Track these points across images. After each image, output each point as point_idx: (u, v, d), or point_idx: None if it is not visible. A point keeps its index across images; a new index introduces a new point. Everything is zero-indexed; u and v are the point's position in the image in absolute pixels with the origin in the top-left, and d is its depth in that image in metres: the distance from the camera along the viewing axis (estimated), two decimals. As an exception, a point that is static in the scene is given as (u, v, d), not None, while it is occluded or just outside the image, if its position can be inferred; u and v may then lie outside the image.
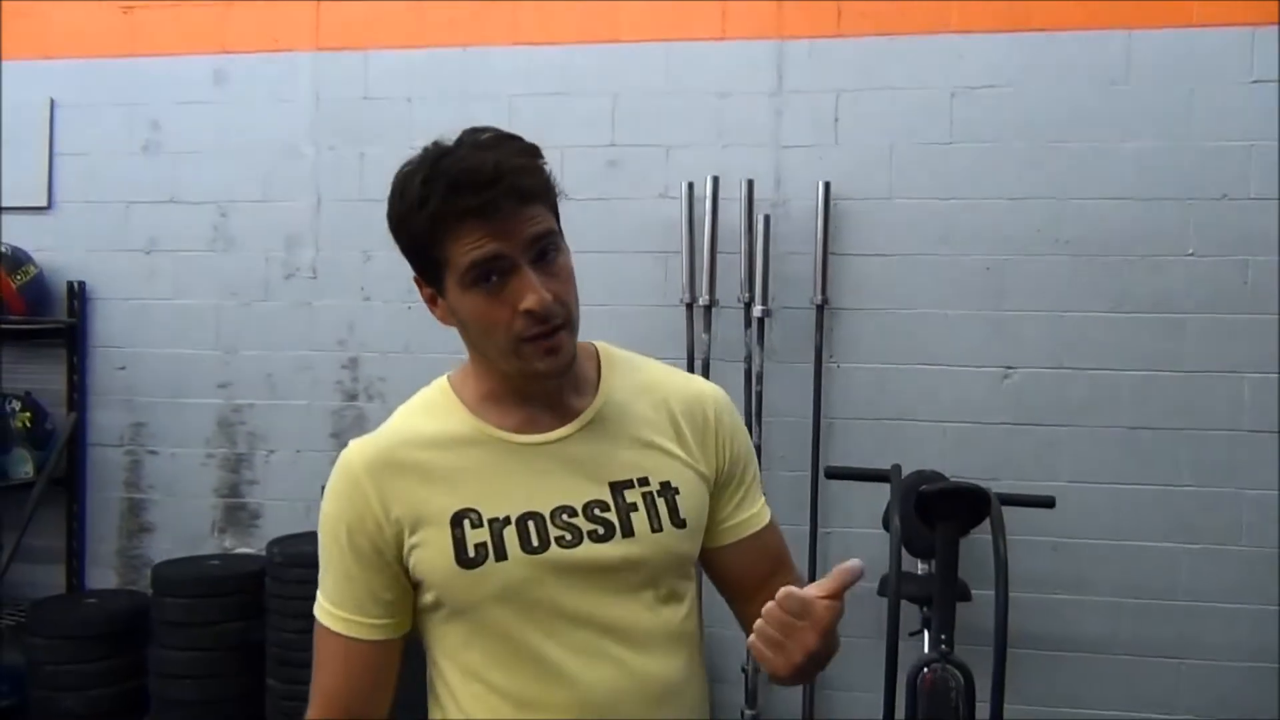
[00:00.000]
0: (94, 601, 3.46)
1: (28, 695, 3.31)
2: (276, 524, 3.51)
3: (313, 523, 3.64)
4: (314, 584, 2.98)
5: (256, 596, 3.21)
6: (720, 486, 1.34)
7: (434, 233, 1.16)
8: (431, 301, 1.25)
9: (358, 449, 1.26)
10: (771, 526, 1.40)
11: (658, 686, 1.25)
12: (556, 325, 1.18)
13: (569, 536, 1.22)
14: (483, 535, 1.21)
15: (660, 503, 1.26)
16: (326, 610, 1.25)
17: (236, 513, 3.60)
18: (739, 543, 1.36)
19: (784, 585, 1.26)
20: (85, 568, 3.68)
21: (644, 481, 1.27)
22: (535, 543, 1.21)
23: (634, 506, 1.25)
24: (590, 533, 1.23)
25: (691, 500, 1.29)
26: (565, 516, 1.23)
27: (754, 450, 1.42)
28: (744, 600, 1.38)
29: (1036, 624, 3.14)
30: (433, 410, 1.29)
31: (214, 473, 3.61)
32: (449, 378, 1.32)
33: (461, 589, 1.21)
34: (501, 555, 1.20)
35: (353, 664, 1.24)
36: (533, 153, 1.19)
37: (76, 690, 3.22)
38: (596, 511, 1.24)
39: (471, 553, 1.20)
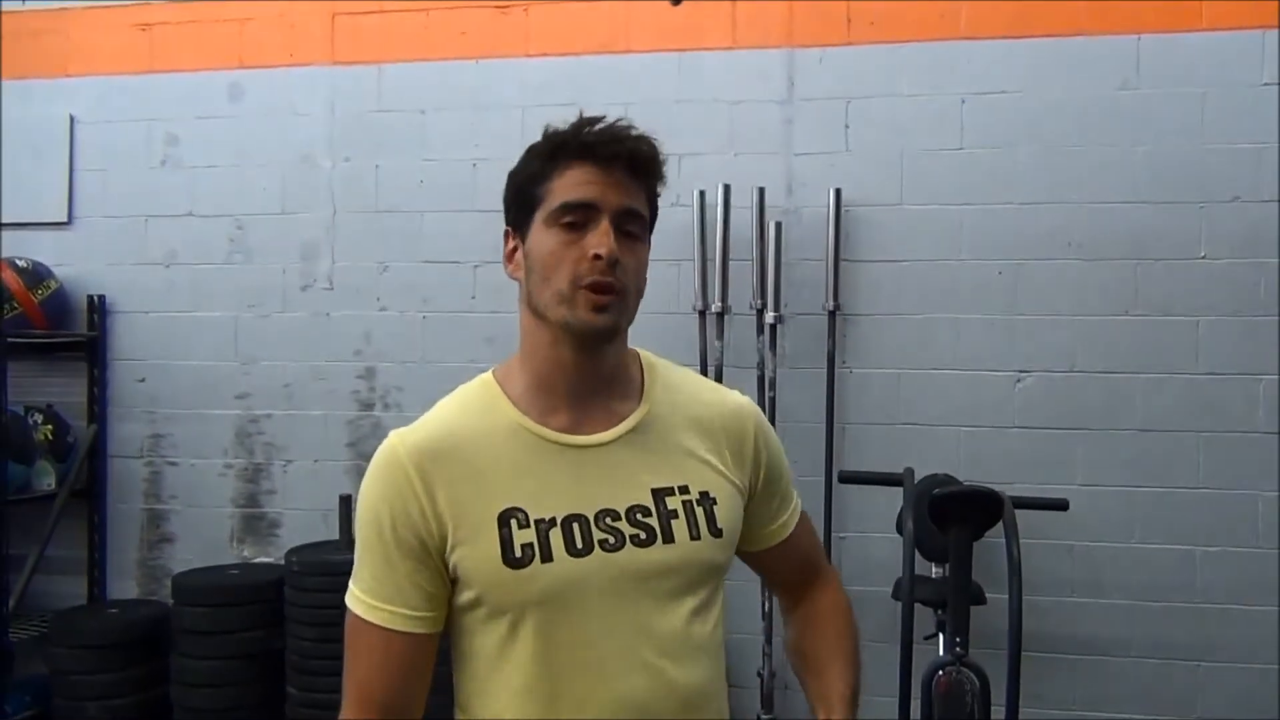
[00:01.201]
0: (115, 611, 3.49)
1: (51, 705, 3.34)
2: (295, 533, 3.54)
3: (330, 531, 3.67)
4: (332, 592, 2.97)
5: (276, 605, 3.23)
6: (756, 499, 1.38)
7: (548, 164, 1.25)
8: (509, 258, 1.31)
9: (402, 439, 1.26)
10: (803, 524, 1.46)
11: (687, 695, 1.26)
12: (614, 286, 1.21)
13: (612, 540, 1.23)
14: (529, 536, 1.21)
15: (699, 511, 1.28)
16: (364, 602, 1.24)
17: (255, 522, 3.63)
18: (776, 546, 1.43)
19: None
20: (106, 578, 3.72)
21: (684, 489, 1.28)
22: (580, 545, 1.22)
23: (674, 513, 1.26)
24: (633, 537, 1.24)
25: (728, 511, 1.31)
26: (609, 520, 1.24)
27: (785, 457, 1.44)
28: (784, 593, 1.52)
29: (1051, 626, 3.14)
30: (478, 405, 1.29)
31: (232, 483, 3.64)
32: (493, 372, 1.33)
33: (506, 589, 1.21)
34: (547, 557, 1.21)
35: (392, 657, 1.23)
36: (658, 157, 1.28)
37: (99, 699, 3.25)
38: (639, 517, 1.25)
39: (518, 553, 1.21)
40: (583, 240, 1.21)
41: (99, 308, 3.67)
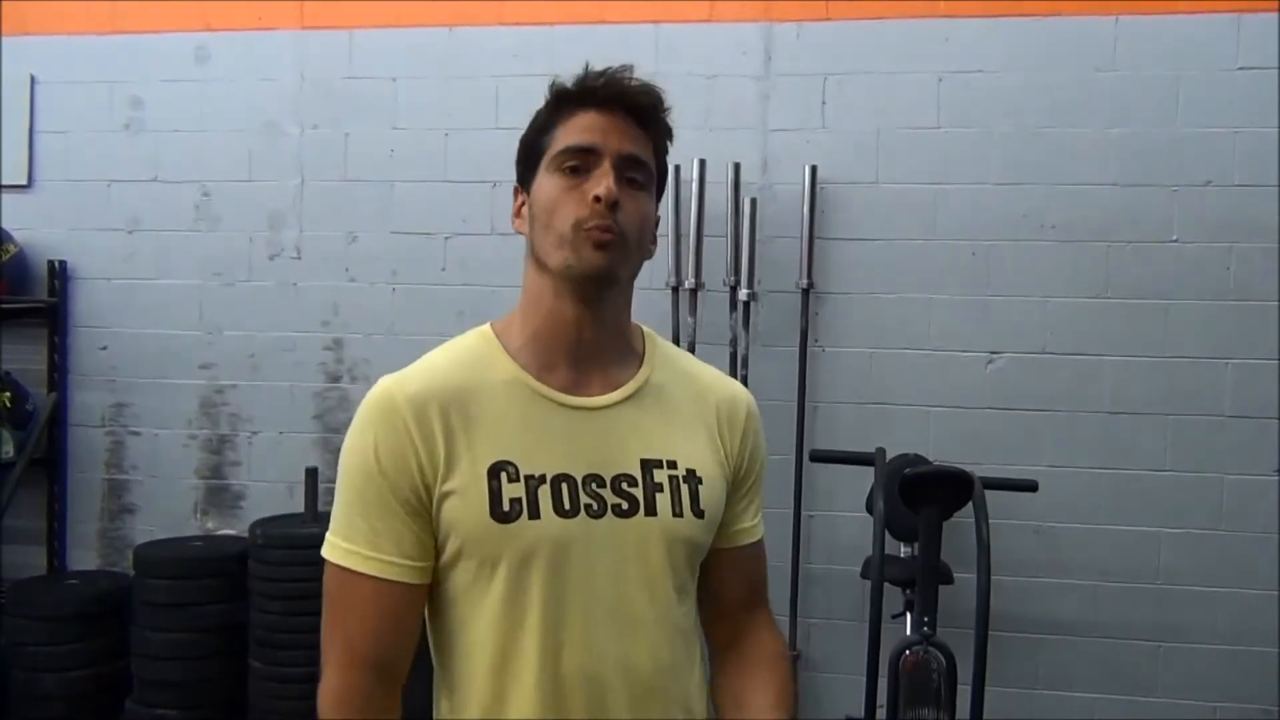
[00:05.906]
0: (75, 582, 3.44)
1: (8, 676, 3.29)
2: (259, 505, 3.49)
3: (296, 504, 3.62)
4: (297, 565, 2.93)
5: (239, 578, 3.19)
6: (733, 489, 1.34)
7: (553, 114, 1.26)
8: (517, 213, 1.31)
9: (398, 383, 1.22)
10: (760, 546, 1.41)
11: (649, 676, 1.24)
12: (612, 229, 1.20)
13: (595, 506, 1.21)
14: (518, 490, 1.19)
15: (685, 489, 1.26)
16: (354, 552, 1.19)
17: (219, 494, 3.59)
18: (729, 551, 1.36)
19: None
20: (66, 549, 3.66)
21: (673, 465, 1.26)
22: (567, 506, 1.20)
23: (660, 487, 1.24)
24: (615, 506, 1.22)
25: (712, 493, 1.29)
26: (594, 485, 1.22)
27: (767, 466, 1.42)
28: (719, 619, 1.40)
29: (1018, 606, 3.16)
30: (474, 357, 1.27)
31: (196, 454, 3.59)
32: (492, 325, 1.31)
33: (490, 542, 1.18)
34: (535, 514, 1.19)
35: (385, 610, 1.19)
36: (661, 105, 1.30)
37: (57, 671, 3.21)
38: (624, 486, 1.23)
39: (506, 506, 1.18)
40: (584, 184, 1.21)
41: (60, 273, 3.59)
